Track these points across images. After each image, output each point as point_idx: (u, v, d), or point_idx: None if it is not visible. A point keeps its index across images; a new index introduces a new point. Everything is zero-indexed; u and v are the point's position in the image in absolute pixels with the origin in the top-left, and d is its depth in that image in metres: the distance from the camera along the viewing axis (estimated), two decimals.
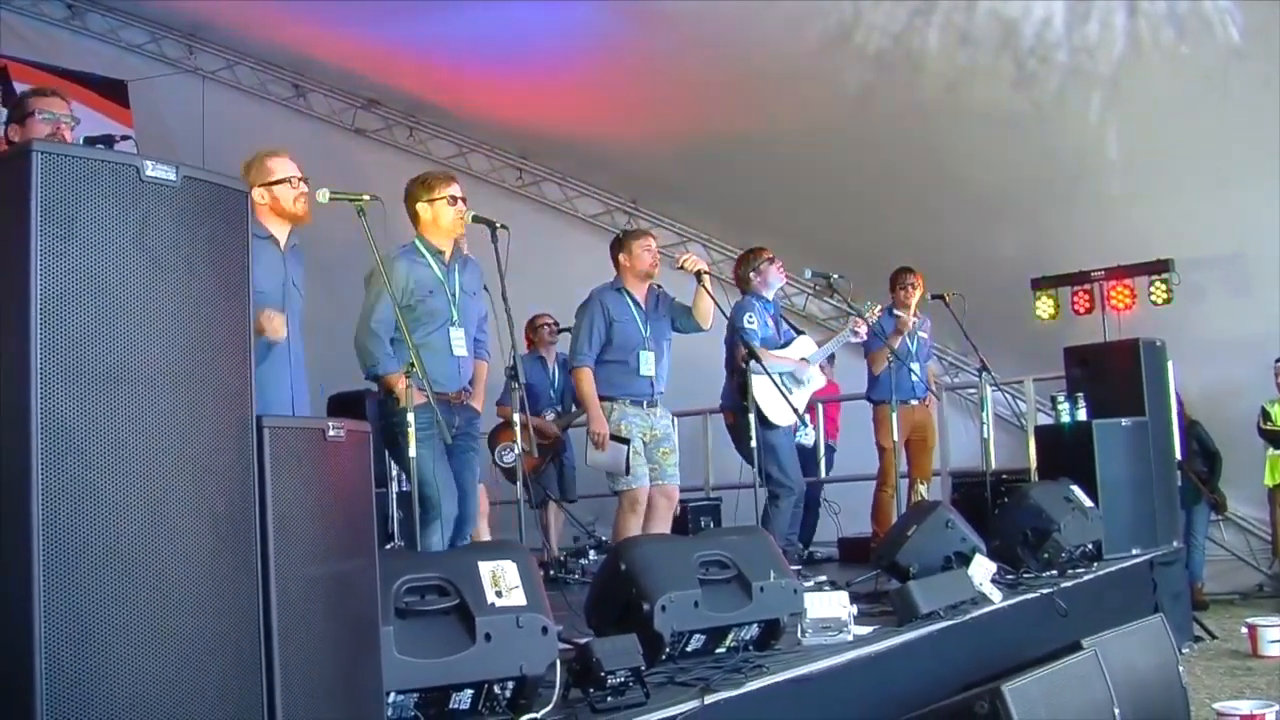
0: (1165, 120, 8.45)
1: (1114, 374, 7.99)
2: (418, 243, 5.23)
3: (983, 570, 5.56)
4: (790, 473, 7.09)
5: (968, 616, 5.20)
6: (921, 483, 8.33)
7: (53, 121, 4.35)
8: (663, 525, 6.42)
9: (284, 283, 4.56)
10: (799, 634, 4.54)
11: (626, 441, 6.14)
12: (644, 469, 6.23)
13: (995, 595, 5.51)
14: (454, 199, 5.23)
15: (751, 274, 7.33)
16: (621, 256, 6.46)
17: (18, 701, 2.01)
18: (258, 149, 4.74)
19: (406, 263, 5.12)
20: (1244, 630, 7.44)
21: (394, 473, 6.90)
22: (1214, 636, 7.96)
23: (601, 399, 6.27)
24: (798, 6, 8.32)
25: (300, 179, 4.63)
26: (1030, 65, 8.25)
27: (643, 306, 6.42)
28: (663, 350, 6.45)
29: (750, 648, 4.42)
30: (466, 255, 5.44)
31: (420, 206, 5.23)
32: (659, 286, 6.55)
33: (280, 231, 4.63)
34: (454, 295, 5.20)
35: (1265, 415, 9.73)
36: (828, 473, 9.80)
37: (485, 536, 5.72)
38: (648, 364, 6.34)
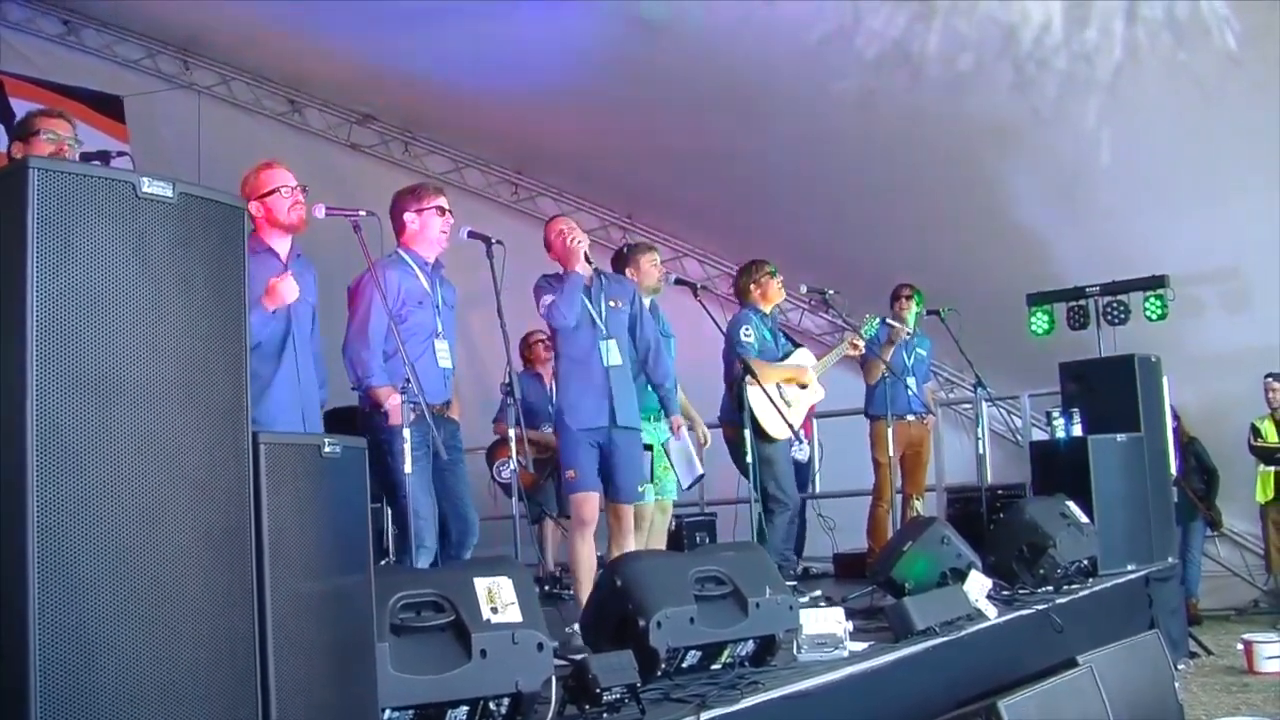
0: (1162, 129, 8.45)
1: (1109, 389, 7.98)
2: (403, 253, 5.18)
3: (978, 586, 5.56)
4: (786, 488, 7.05)
5: (963, 633, 5.19)
6: (915, 498, 8.33)
7: (56, 142, 4.33)
8: (657, 540, 6.41)
9: None
10: (795, 650, 4.54)
11: (649, 448, 6.11)
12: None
13: (991, 611, 5.51)
14: (442, 210, 5.20)
15: (751, 286, 7.29)
16: (628, 271, 6.43)
17: (13, 715, 2.01)
18: (253, 165, 4.74)
19: (397, 272, 5.09)
20: (1240, 646, 7.43)
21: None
22: (1210, 652, 7.96)
23: None
24: (796, 7, 8.32)
25: (294, 188, 4.63)
26: (1029, 70, 8.25)
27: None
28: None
29: (746, 664, 4.42)
30: (443, 274, 5.41)
31: (408, 216, 5.17)
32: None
33: (280, 243, 4.64)
34: (439, 307, 5.19)
35: (1255, 432, 9.76)
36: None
37: (630, 545, 5.67)
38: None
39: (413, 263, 5.14)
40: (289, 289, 4.45)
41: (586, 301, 5.66)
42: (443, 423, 5.09)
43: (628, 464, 5.60)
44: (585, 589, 5.41)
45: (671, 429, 6.03)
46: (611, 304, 5.73)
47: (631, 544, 5.64)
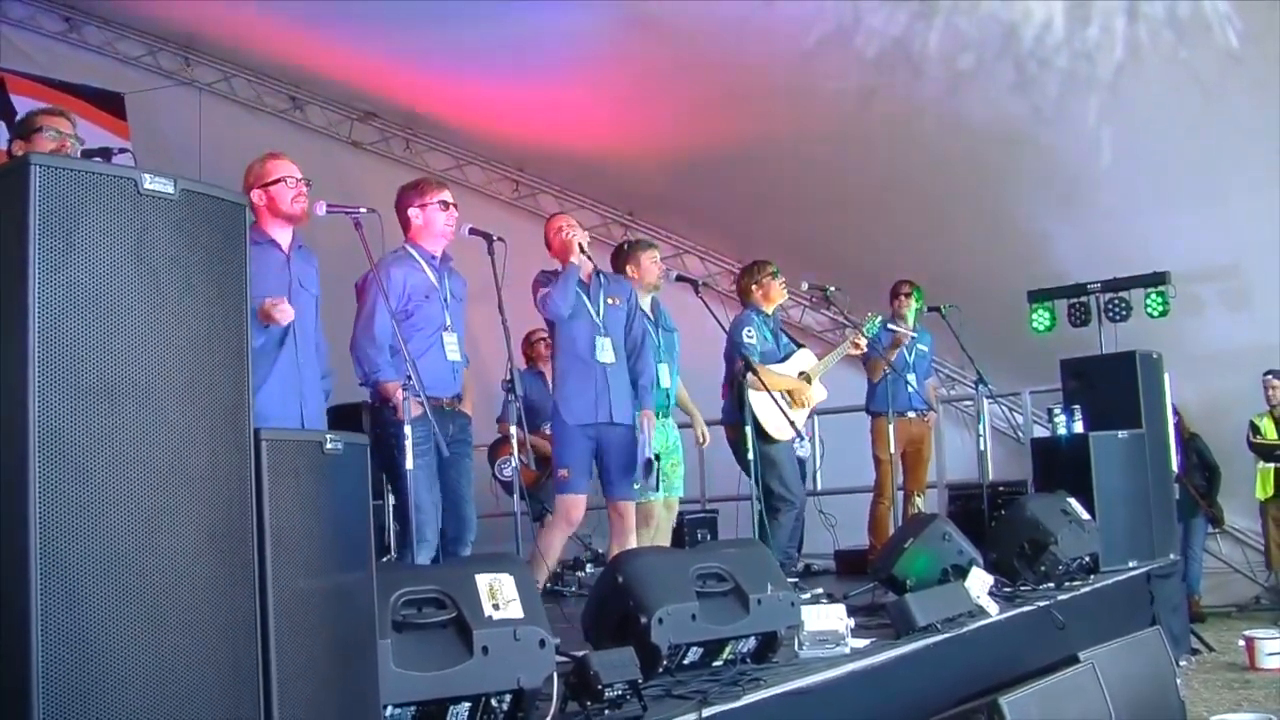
0: (1163, 128, 8.44)
1: (1111, 386, 7.98)
2: (409, 248, 5.22)
3: (980, 583, 5.56)
4: (792, 486, 7.03)
5: (965, 629, 5.19)
6: (916, 495, 8.33)
7: (58, 139, 4.33)
8: (663, 537, 6.41)
9: (288, 284, 4.57)
10: (796, 647, 4.54)
11: (657, 458, 6.06)
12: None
13: (992, 608, 5.51)
14: (445, 204, 5.22)
15: (754, 286, 7.27)
16: (629, 268, 6.41)
17: (15, 715, 2.01)
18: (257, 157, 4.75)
19: (402, 268, 5.11)
20: (1241, 643, 7.43)
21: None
22: (1211, 649, 7.95)
23: None
24: (796, 7, 8.31)
25: (298, 179, 4.64)
26: (1030, 69, 8.25)
27: (652, 318, 6.39)
28: (672, 361, 6.43)
29: (747, 660, 4.41)
30: (451, 266, 5.43)
31: (412, 211, 5.21)
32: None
33: (281, 234, 4.64)
34: (446, 300, 5.20)
35: (1254, 429, 9.76)
36: None
37: (631, 543, 5.70)
38: (664, 375, 6.30)
39: (419, 257, 5.18)
40: (283, 313, 4.42)
41: (585, 298, 5.67)
42: (453, 416, 5.11)
43: (621, 460, 5.62)
44: (541, 577, 5.48)
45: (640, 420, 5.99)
46: (610, 301, 5.75)
47: (633, 541, 5.65)
